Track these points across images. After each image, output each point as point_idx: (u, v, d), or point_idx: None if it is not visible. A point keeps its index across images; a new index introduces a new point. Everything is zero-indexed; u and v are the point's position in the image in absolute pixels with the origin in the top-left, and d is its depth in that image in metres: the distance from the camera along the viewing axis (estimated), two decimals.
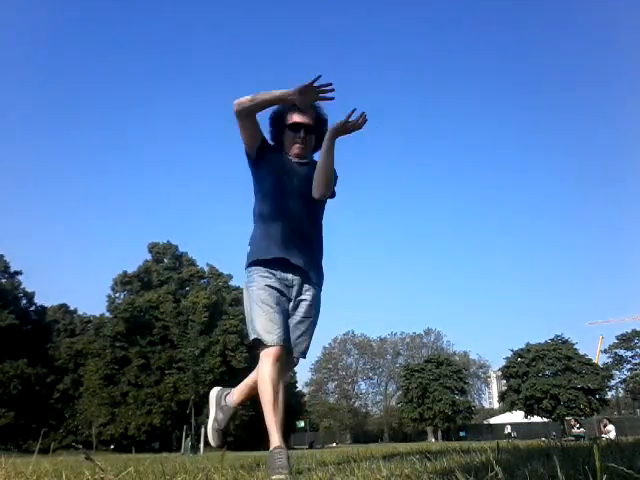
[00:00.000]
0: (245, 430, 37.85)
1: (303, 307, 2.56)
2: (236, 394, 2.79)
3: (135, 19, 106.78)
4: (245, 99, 2.47)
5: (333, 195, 2.68)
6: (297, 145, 2.64)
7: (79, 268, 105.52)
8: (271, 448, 2.30)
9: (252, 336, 2.42)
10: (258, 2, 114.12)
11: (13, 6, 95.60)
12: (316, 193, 2.55)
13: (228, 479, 2.12)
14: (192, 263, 46.18)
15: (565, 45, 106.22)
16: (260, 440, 36.42)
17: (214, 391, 2.93)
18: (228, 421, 2.88)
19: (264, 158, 2.65)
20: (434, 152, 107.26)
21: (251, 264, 2.54)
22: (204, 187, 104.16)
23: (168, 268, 44.70)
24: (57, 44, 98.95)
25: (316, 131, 2.67)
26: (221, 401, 2.85)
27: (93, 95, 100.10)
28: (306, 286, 2.58)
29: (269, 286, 2.47)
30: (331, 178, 2.54)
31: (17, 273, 42.39)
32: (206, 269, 46.09)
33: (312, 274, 2.59)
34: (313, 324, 2.61)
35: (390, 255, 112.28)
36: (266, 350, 2.37)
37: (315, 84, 2.37)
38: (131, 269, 44.00)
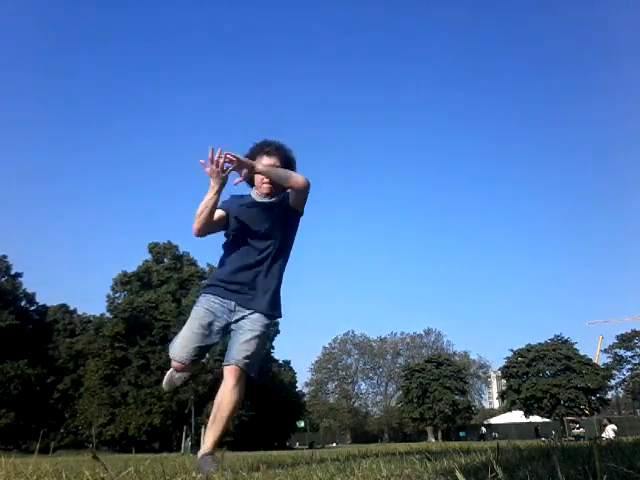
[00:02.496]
0: (245, 430, 37.86)
1: (245, 323, 2.82)
2: (206, 442, 2.78)
3: (135, 18, 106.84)
4: (195, 225, 2.83)
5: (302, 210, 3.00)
6: (265, 185, 2.91)
7: (79, 268, 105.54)
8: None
9: (169, 352, 2.93)
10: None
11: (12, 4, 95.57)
12: (293, 185, 2.85)
13: (228, 479, 2.12)
14: (193, 263, 46.16)
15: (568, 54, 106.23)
16: (260, 440, 36.47)
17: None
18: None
19: (232, 217, 2.95)
20: (434, 152, 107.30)
21: (204, 289, 2.98)
22: (204, 187, 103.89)
23: (168, 268, 44.67)
24: (57, 44, 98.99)
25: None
26: (199, 464, 2.69)
27: (93, 94, 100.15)
28: (250, 310, 2.84)
29: (207, 309, 2.84)
30: (287, 172, 2.86)
31: (18, 275, 42.45)
32: (206, 269, 46.08)
33: (252, 304, 2.85)
34: (256, 336, 2.79)
35: (390, 255, 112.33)
36: (174, 363, 2.93)
37: (216, 162, 2.72)
38: (131, 269, 44.03)
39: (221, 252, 3.07)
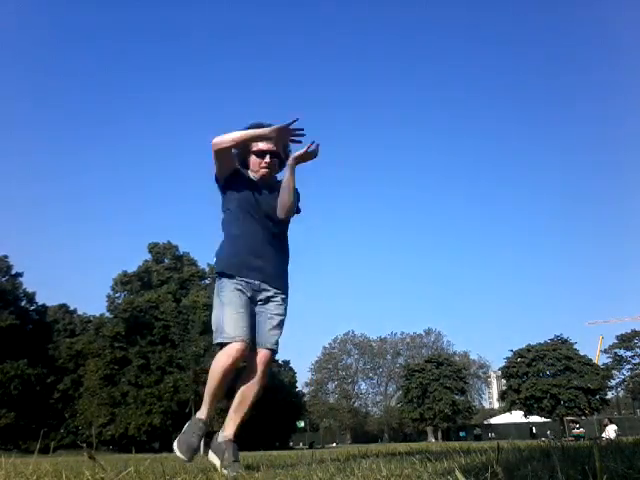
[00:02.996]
0: (245, 430, 37.77)
1: (272, 306, 2.81)
2: (229, 427, 2.74)
3: (135, 18, 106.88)
4: (226, 140, 2.74)
5: (298, 211, 2.96)
6: (263, 170, 2.89)
7: (79, 268, 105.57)
8: (194, 417, 2.76)
9: (217, 340, 2.63)
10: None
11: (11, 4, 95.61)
12: (281, 213, 2.83)
13: (228, 479, 2.12)
14: (193, 263, 46.17)
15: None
16: (260, 440, 36.45)
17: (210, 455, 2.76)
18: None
19: (232, 182, 2.89)
20: (434, 152, 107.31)
21: (221, 275, 2.80)
22: (205, 187, 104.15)
23: (168, 268, 44.69)
24: (57, 44, 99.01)
25: (279, 156, 2.94)
26: (218, 448, 2.69)
27: (93, 94, 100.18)
28: (272, 290, 2.83)
29: (238, 290, 2.72)
30: (294, 200, 2.83)
31: (18, 275, 42.49)
32: (207, 269, 46.10)
33: (275, 282, 2.84)
34: (282, 321, 2.84)
35: (390, 255, 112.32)
36: (230, 346, 2.58)
37: (292, 127, 2.73)
38: (131, 269, 44.04)
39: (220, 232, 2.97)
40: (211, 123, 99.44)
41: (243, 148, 2.89)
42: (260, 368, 2.69)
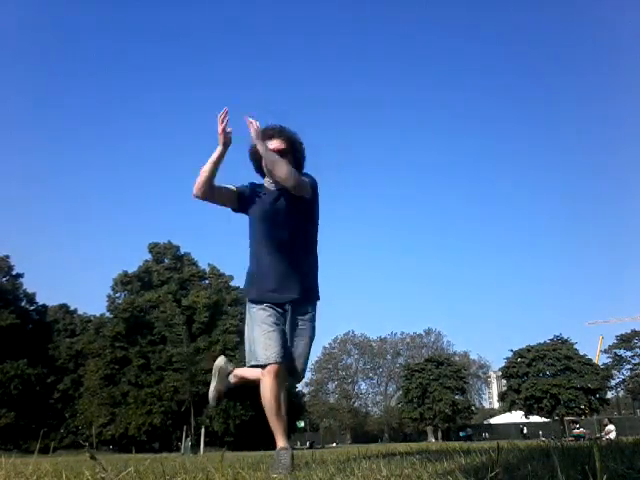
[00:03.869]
0: (245, 430, 37.82)
1: (300, 328, 2.85)
2: (235, 379, 3.16)
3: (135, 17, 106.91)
4: (196, 183, 2.73)
5: (307, 193, 2.82)
6: None
7: (79, 268, 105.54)
8: (277, 448, 2.65)
9: (251, 362, 2.73)
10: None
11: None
12: (287, 183, 2.73)
13: (228, 479, 2.12)
14: (193, 263, 46.15)
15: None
16: (260, 440, 36.43)
17: (219, 361, 3.24)
18: (227, 388, 3.23)
19: (247, 204, 2.90)
20: (434, 152, 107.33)
21: (251, 298, 2.86)
22: None
23: (169, 268, 44.68)
24: (57, 43, 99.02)
25: (291, 153, 2.85)
26: (224, 376, 3.19)
27: (93, 93, 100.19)
28: (300, 310, 2.86)
29: (270, 307, 2.78)
30: (287, 172, 2.67)
31: (19, 275, 42.56)
32: (207, 269, 46.10)
33: (304, 299, 2.87)
34: (310, 341, 2.89)
35: (390, 255, 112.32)
36: (268, 367, 2.65)
37: (221, 126, 2.68)
38: (131, 269, 44.04)
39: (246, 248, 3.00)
40: (211, 123, 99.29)
41: (256, 154, 2.85)
42: (283, 380, 2.77)
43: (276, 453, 2.61)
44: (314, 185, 2.88)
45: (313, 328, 2.90)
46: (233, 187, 2.88)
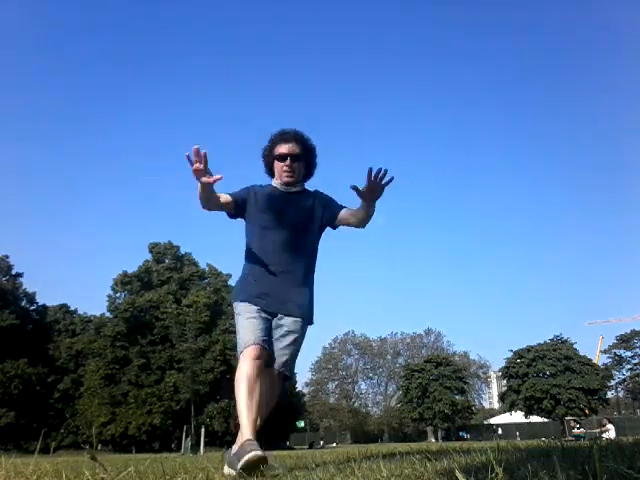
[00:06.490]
0: None
1: (285, 327, 2.74)
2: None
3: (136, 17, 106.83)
4: (201, 204, 2.73)
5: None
6: (285, 174, 2.85)
7: (80, 268, 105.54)
8: (241, 441, 2.37)
9: (238, 351, 2.60)
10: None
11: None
12: (355, 223, 2.87)
13: (228, 479, 2.12)
14: (193, 263, 46.14)
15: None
16: (260, 440, 36.44)
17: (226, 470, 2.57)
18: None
19: (245, 209, 2.88)
20: (433, 151, 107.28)
21: (237, 297, 2.79)
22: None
23: (169, 268, 44.66)
24: (59, 44, 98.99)
25: (304, 159, 2.90)
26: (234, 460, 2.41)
27: (93, 93, 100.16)
28: (288, 317, 2.76)
29: (254, 304, 2.70)
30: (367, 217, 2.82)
31: (19, 275, 42.55)
32: (207, 269, 46.08)
33: (293, 306, 2.77)
34: (295, 342, 2.76)
35: (390, 255, 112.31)
36: (244, 350, 2.55)
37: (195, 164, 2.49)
38: (131, 269, 44.02)
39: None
40: (213, 123, 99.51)
41: (269, 155, 2.90)
42: (270, 388, 2.66)
43: (240, 445, 2.35)
44: (325, 197, 2.95)
45: (299, 334, 2.77)
46: (228, 196, 2.85)
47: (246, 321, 2.64)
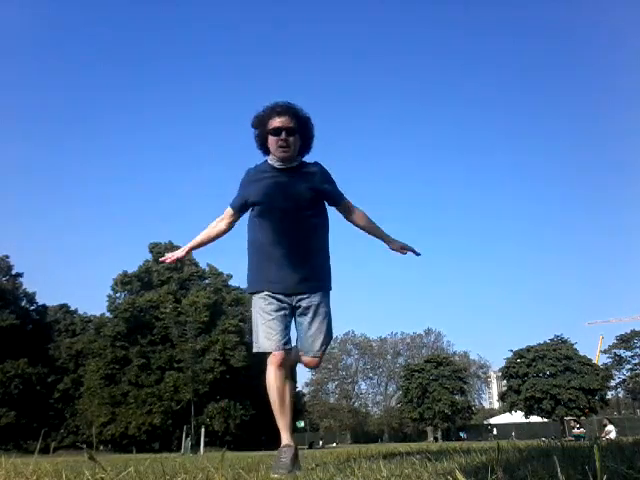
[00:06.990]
0: (245, 430, 37.83)
1: (309, 313, 2.72)
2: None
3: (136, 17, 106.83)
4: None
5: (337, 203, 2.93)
6: (281, 149, 2.71)
7: (80, 268, 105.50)
8: (281, 445, 2.57)
9: (254, 349, 2.69)
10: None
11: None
12: (359, 222, 2.99)
13: (228, 479, 2.12)
14: (193, 263, 46.14)
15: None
16: (260, 440, 36.41)
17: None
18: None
19: (248, 202, 2.82)
20: (433, 151, 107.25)
21: (251, 289, 2.79)
22: (206, 187, 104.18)
23: (169, 268, 44.64)
24: (61, 45, 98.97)
25: (299, 131, 2.75)
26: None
27: (93, 92, 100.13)
28: (306, 295, 2.72)
29: (269, 296, 2.69)
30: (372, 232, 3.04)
31: (19, 275, 42.57)
32: (207, 269, 46.09)
33: (310, 285, 2.73)
34: (322, 324, 2.75)
35: (390, 255, 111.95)
36: (269, 358, 2.63)
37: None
38: (131, 269, 44.03)
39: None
40: (214, 123, 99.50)
41: (262, 131, 2.76)
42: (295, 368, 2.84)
43: (278, 451, 2.53)
44: (325, 172, 2.85)
45: (325, 314, 2.75)
46: (230, 210, 2.88)
47: (267, 322, 2.64)
